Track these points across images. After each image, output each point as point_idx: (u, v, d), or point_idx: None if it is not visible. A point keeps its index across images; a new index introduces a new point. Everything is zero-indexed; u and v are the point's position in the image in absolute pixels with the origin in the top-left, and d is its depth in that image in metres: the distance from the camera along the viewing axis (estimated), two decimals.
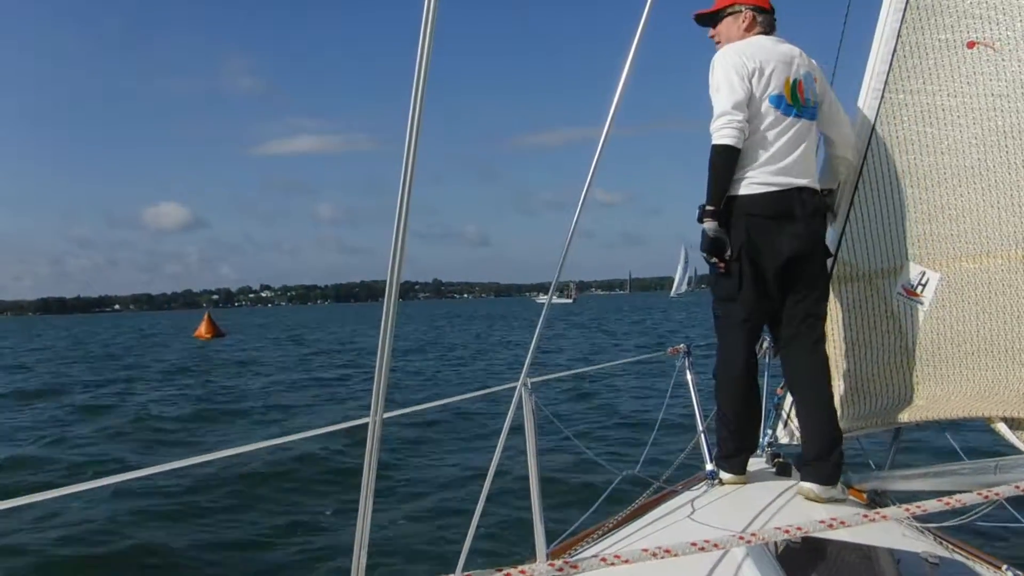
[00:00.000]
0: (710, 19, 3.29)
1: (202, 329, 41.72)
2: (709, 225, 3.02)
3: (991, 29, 3.11)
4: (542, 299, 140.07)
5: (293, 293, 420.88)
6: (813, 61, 3.21)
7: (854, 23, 3.65)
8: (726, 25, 3.22)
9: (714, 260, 3.08)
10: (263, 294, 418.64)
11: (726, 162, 2.98)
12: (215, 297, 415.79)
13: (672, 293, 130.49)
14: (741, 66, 3.01)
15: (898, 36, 3.25)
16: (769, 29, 3.19)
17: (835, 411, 3.14)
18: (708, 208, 3.01)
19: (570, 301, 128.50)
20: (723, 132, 2.96)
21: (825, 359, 3.15)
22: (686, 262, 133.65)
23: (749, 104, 3.00)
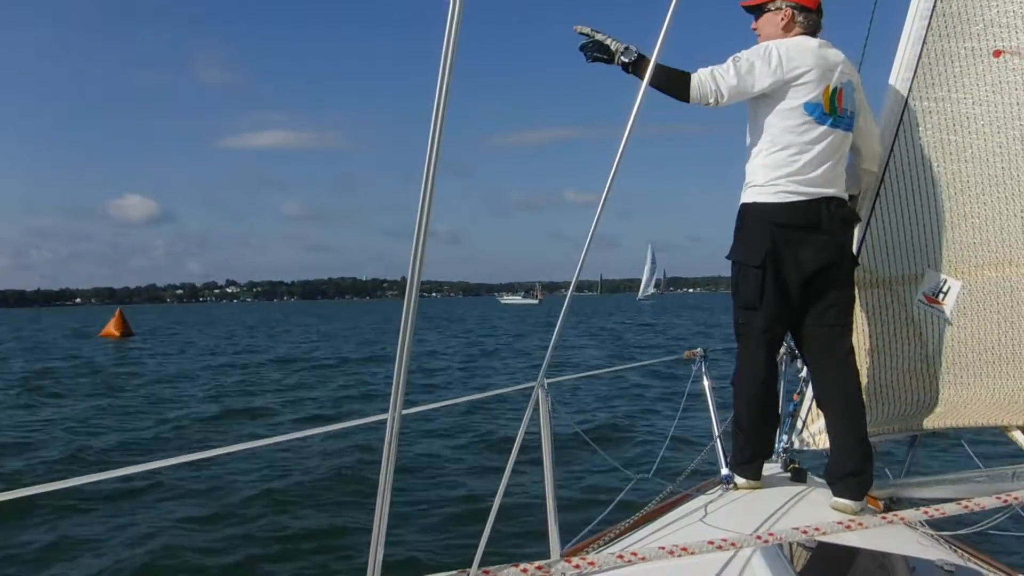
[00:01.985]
0: (753, 11, 3.18)
1: (111, 327, 37.95)
2: (619, 56, 2.90)
3: (1018, 38, 3.11)
4: (507, 299, 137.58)
5: (259, 289, 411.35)
6: (853, 68, 3.13)
7: (878, 29, 3.64)
8: (766, 21, 3.12)
9: (589, 53, 2.95)
10: (228, 289, 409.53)
11: (673, 91, 2.90)
12: (179, 292, 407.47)
13: (639, 296, 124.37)
14: (773, 72, 2.91)
15: (923, 43, 3.24)
16: (812, 29, 3.09)
17: (866, 425, 3.06)
18: (633, 63, 2.87)
19: (536, 302, 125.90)
20: (700, 84, 2.88)
21: (856, 372, 3.09)
22: (653, 263, 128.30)
23: (777, 106, 2.96)
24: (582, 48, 2.98)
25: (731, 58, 2.95)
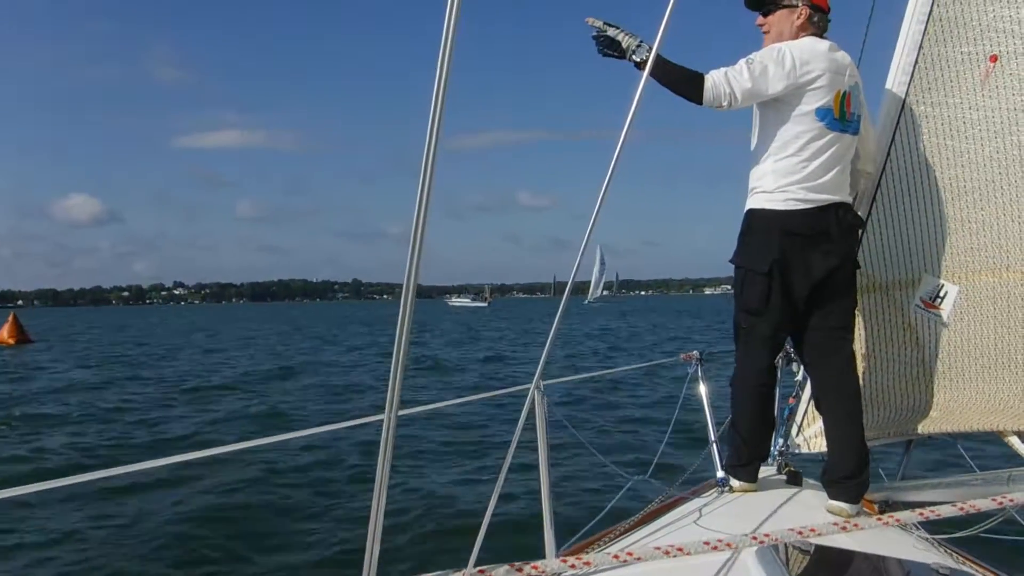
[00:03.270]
0: (762, 6, 3.12)
1: (3, 334, 34.46)
2: (634, 53, 2.82)
3: (1015, 43, 3.11)
4: (454, 302, 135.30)
5: (208, 291, 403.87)
6: (857, 70, 3.11)
7: (875, 33, 3.64)
8: (779, 18, 3.06)
9: (603, 48, 2.89)
10: (176, 291, 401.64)
11: (685, 93, 2.84)
12: (125, 294, 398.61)
13: (587, 299, 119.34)
14: (787, 76, 2.88)
15: (920, 48, 3.24)
16: (822, 30, 3.07)
17: (863, 429, 3.07)
18: (644, 62, 2.71)
19: (484, 305, 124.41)
20: (714, 85, 2.82)
21: (856, 377, 3.10)
22: (602, 264, 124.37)
23: (787, 111, 2.93)
24: (594, 40, 2.90)
25: (743, 60, 2.90)
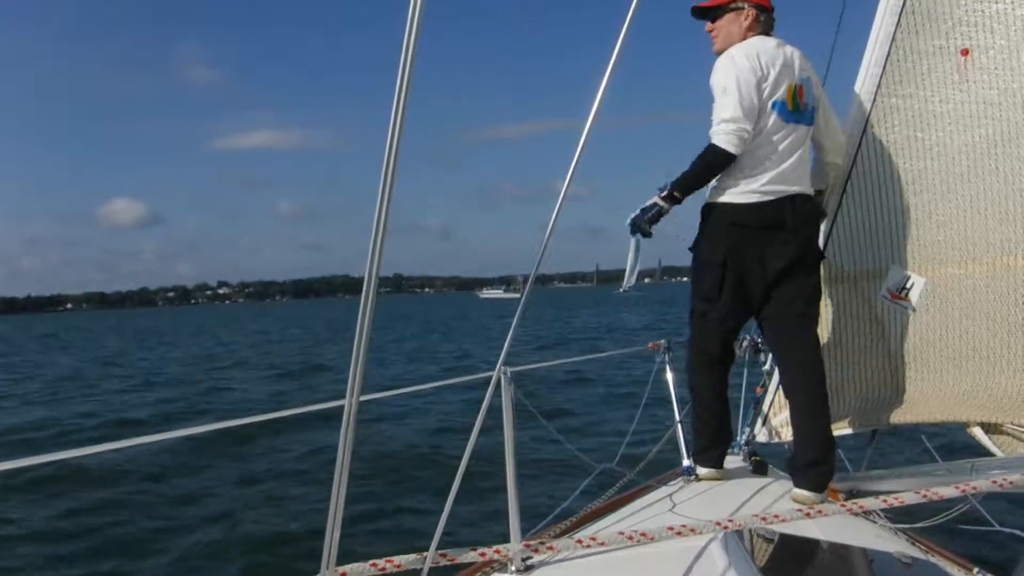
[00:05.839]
0: (708, 13, 3.17)
1: None
2: (665, 204, 3.01)
3: (985, 37, 3.13)
4: (486, 293, 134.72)
5: (251, 290, 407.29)
6: (809, 63, 3.15)
7: (848, 25, 3.66)
8: (727, 22, 3.11)
9: (646, 229, 3.09)
10: (220, 291, 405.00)
11: (718, 167, 2.95)
12: (170, 295, 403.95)
13: (622, 287, 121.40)
14: (751, 71, 2.93)
15: (892, 40, 3.26)
16: (768, 29, 3.13)
17: (829, 416, 3.08)
18: (675, 194, 2.98)
19: (518, 295, 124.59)
20: (728, 139, 2.89)
21: (820, 363, 3.10)
22: (636, 250, 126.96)
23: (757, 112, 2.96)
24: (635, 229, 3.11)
25: (718, 93, 2.95)
